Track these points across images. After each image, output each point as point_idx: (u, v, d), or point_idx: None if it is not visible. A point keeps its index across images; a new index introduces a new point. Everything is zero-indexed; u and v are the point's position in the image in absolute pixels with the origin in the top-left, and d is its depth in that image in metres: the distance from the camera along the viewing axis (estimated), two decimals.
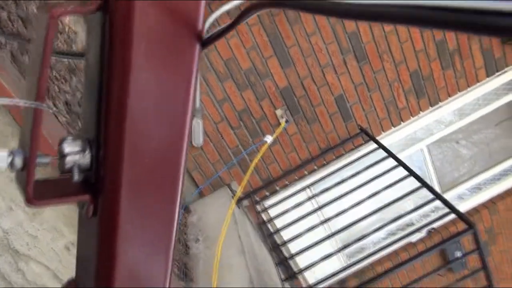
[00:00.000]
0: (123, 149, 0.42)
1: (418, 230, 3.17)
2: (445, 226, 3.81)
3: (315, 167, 3.32)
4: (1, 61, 1.64)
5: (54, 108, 2.01)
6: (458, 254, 3.94)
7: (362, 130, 3.20)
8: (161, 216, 0.49)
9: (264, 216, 3.30)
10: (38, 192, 0.41)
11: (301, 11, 0.33)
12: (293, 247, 3.54)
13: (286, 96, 3.01)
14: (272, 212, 3.24)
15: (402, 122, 3.35)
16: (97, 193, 0.44)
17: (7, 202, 1.69)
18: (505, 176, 3.99)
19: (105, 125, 0.42)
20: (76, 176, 0.42)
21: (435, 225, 3.64)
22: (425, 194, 2.70)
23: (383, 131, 3.34)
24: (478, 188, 4.05)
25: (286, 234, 3.23)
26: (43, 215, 1.78)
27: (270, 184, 3.26)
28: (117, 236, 0.45)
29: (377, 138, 3.26)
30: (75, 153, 0.43)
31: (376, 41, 2.99)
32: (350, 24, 2.90)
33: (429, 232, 3.92)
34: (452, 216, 2.49)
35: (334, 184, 3.10)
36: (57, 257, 1.82)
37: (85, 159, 0.43)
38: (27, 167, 0.41)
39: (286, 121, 3.07)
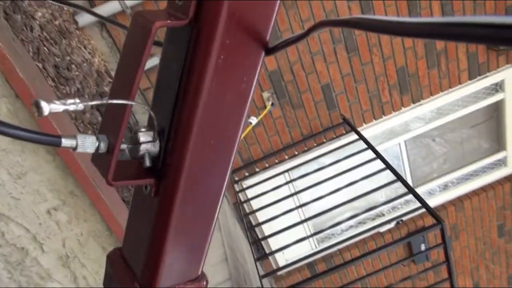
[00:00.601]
0: (190, 142, 0.49)
1: (388, 222, 3.28)
2: (412, 219, 3.96)
3: (296, 152, 3.37)
4: None
5: (45, 71, 1.98)
6: (423, 247, 4.12)
7: (345, 120, 3.26)
8: (208, 206, 0.57)
9: (241, 196, 3.35)
10: (115, 174, 0.47)
11: (374, 32, 0.36)
12: (267, 229, 3.62)
13: (274, 79, 3.03)
14: (250, 192, 3.29)
15: (383, 116, 3.43)
16: (161, 177, 0.51)
17: None
18: (475, 176, 4.16)
19: (178, 121, 0.49)
20: (147, 162, 0.49)
21: (404, 217, 3.78)
22: (396, 186, 2.79)
23: (364, 123, 3.41)
24: (447, 186, 4.20)
25: (261, 216, 3.29)
26: (27, 177, 1.77)
27: (250, 165, 3.30)
28: (172, 216, 0.52)
29: (359, 129, 3.33)
30: (148, 142, 0.49)
31: (367, 34, 3.03)
32: (344, 14, 2.93)
33: (397, 223, 4.07)
34: (421, 210, 2.59)
35: (313, 170, 3.16)
36: (38, 221, 1.83)
37: (155, 148, 0.50)
38: (112, 152, 0.46)
39: (272, 104, 3.10)
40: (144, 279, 0.55)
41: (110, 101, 0.45)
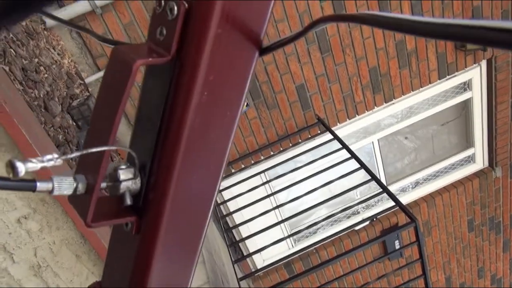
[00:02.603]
0: (172, 178, 0.48)
1: (364, 221, 3.32)
2: (386, 216, 4.03)
3: (272, 153, 3.37)
4: None
5: (20, 86, 1.90)
6: (397, 244, 4.19)
7: (319, 120, 3.28)
8: (192, 240, 0.56)
9: (217, 198, 3.32)
10: (94, 214, 0.46)
11: (374, 27, 0.36)
12: (244, 230, 3.61)
13: None
14: (226, 194, 3.27)
15: (357, 115, 3.47)
16: (142, 214, 0.50)
17: None
18: (445, 173, 4.27)
19: (160, 157, 0.48)
20: (128, 201, 0.48)
21: (378, 215, 3.84)
22: (371, 183, 2.83)
23: (339, 122, 3.45)
24: (419, 183, 4.29)
25: (238, 217, 3.28)
26: None
27: (226, 166, 3.27)
28: (155, 254, 0.51)
29: (333, 128, 3.36)
30: (129, 180, 0.48)
31: (340, 35, 3.06)
32: (317, 15, 2.94)
33: (372, 220, 4.13)
34: (395, 207, 2.63)
35: (289, 171, 3.17)
36: (7, 230, 1.76)
37: (136, 185, 0.49)
38: (90, 194, 0.45)
39: (247, 105, 3.09)
40: None
41: (89, 150, 0.43)
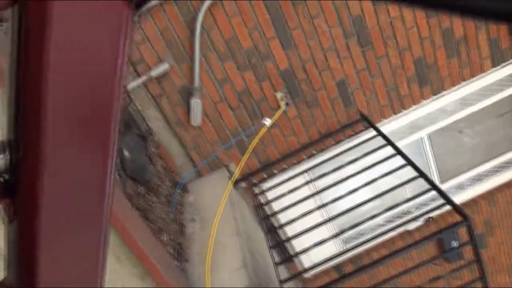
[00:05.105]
0: (41, 153, 0.40)
1: (415, 219, 3.17)
2: (442, 216, 3.81)
3: (314, 152, 3.30)
4: None
5: None
6: (454, 244, 3.95)
7: (363, 116, 3.17)
8: (86, 226, 0.47)
9: (261, 199, 3.30)
10: None
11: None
12: (290, 231, 3.55)
13: (287, 78, 2.98)
14: (270, 195, 3.24)
15: (403, 110, 3.31)
16: (15, 196, 0.42)
17: None
18: (506, 168, 3.97)
19: (21, 123, 0.40)
20: None
21: (432, 214, 3.64)
22: (424, 183, 2.68)
23: (384, 118, 3.31)
24: (478, 179, 4.03)
25: (283, 218, 3.23)
26: None
27: (268, 167, 3.25)
28: (36, 244, 0.43)
29: (378, 125, 3.23)
30: None
31: (381, 26, 2.94)
32: (355, 8, 2.85)
33: (426, 220, 3.92)
34: (448, 206, 2.48)
35: (332, 169, 3.08)
36: None
37: (4, 161, 0.41)
38: None
39: (286, 104, 3.04)
40: None
41: None
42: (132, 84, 2.76)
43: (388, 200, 3.13)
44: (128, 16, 0.38)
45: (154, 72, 2.76)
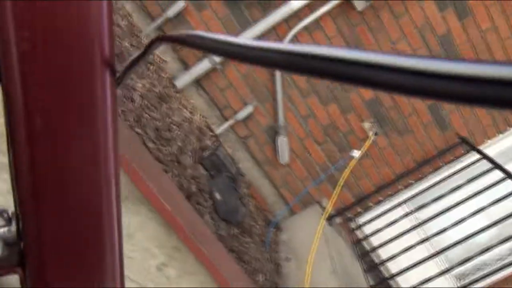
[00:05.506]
0: (37, 219, 0.40)
1: None
2: None
3: (411, 181, 3.10)
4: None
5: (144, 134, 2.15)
6: None
7: (462, 139, 2.92)
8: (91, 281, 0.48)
9: (358, 234, 3.16)
10: None
11: (192, 48, 0.33)
12: (393, 267, 3.34)
13: (373, 107, 2.88)
14: (367, 229, 3.10)
15: (510, 128, 3.00)
16: (24, 263, 0.44)
17: None
18: None
19: (17, 193, 0.41)
20: (0, 251, 0.42)
21: None
22: None
23: (488, 139, 3.02)
24: None
25: (383, 253, 3.05)
26: (136, 237, 1.89)
27: (363, 200, 3.12)
28: None
29: (481, 147, 2.96)
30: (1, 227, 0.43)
31: (472, 41, 2.74)
32: (440, 27, 2.70)
33: None
34: None
35: (434, 198, 2.86)
36: (150, 277, 1.92)
37: (11, 232, 0.43)
38: None
39: (375, 134, 2.93)
40: None
41: None
42: (220, 129, 2.87)
43: (508, 228, 2.81)
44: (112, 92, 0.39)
45: (240, 115, 2.85)
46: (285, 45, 0.25)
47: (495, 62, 0.17)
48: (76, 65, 0.36)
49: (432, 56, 0.20)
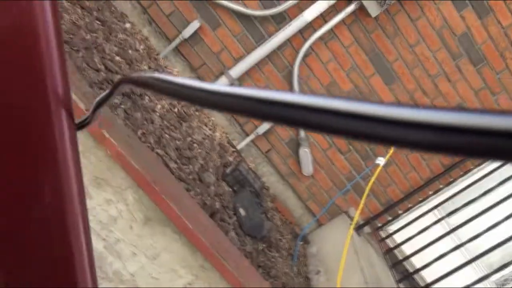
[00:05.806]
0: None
1: None
2: None
3: (441, 186, 3.02)
4: (113, 119, 1.84)
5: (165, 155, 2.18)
6: None
7: None
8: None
9: (389, 243, 3.09)
10: None
11: (156, 93, 0.33)
12: (427, 275, 3.24)
13: None
14: (398, 237, 3.02)
15: None
16: None
17: (130, 248, 1.85)
18: None
19: None
20: None
21: None
22: None
23: None
24: None
25: (416, 261, 2.97)
26: (161, 258, 1.91)
27: (391, 208, 3.05)
28: None
29: None
30: None
31: (493, 39, 2.67)
32: (459, 27, 2.64)
33: None
34: None
35: (466, 202, 2.77)
36: None
37: None
38: None
39: None
40: None
41: None
42: (241, 144, 2.88)
43: None
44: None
45: (261, 129, 2.85)
46: (246, 90, 0.25)
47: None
48: (22, 108, 0.31)
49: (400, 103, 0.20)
